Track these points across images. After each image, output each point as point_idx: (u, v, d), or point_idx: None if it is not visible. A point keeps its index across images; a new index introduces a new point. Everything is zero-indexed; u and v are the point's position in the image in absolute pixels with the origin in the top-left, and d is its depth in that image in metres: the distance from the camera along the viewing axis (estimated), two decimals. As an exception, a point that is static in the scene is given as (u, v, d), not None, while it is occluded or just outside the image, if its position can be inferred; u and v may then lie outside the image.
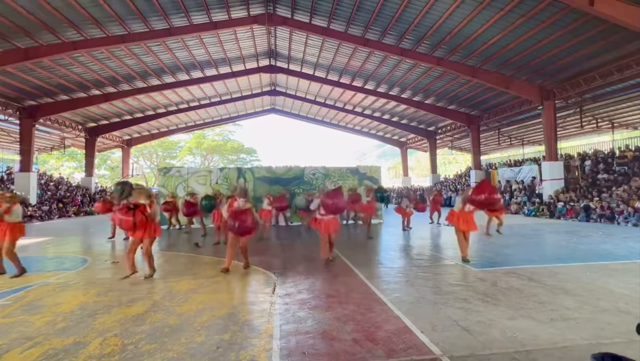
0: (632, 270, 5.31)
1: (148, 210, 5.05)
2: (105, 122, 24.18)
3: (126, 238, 9.18)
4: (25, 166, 18.28)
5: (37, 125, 18.88)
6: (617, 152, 17.05)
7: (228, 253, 5.45)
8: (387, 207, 11.09)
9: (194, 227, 10.93)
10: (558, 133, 16.77)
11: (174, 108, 24.73)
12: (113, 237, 9.21)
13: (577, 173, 16.90)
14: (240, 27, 15.66)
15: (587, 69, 13.80)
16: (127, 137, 29.04)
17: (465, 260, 5.86)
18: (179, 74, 19.07)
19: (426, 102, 21.76)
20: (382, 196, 10.53)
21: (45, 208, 17.85)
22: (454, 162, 42.75)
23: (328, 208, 5.87)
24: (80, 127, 23.20)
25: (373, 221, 11.40)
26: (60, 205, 19.46)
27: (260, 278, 5.12)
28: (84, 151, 25.21)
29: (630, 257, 6.25)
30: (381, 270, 5.60)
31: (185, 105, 24.76)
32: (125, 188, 5.30)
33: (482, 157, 25.40)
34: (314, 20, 15.04)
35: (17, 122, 18.41)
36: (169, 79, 19.39)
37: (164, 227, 11.08)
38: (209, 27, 14.64)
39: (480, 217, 6.93)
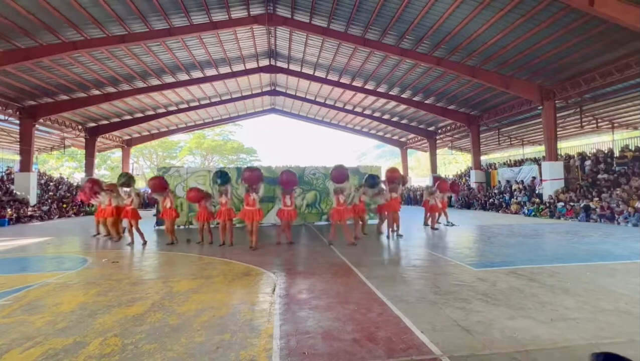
0: (632, 270, 5.31)
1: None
2: (105, 122, 24.17)
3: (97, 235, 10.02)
4: (25, 166, 18.27)
5: (37, 125, 18.87)
6: (617, 152, 17.05)
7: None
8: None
9: (193, 227, 11.04)
10: (558, 133, 16.77)
11: (174, 108, 24.72)
12: (98, 234, 9.83)
13: (577, 173, 16.90)
14: (240, 27, 15.65)
15: (587, 69, 13.79)
16: (127, 137, 29.03)
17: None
18: (179, 74, 19.07)
19: (426, 102, 21.76)
20: (374, 183, 8.99)
21: (45, 208, 17.85)
22: (454, 162, 42.74)
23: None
24: (80, 127, 23.19)
25: (371, 221, 11.32)
26: (63, 205, 19.47)
27: (260, 278, 5.12)
28: (84, 151, 25.19)
29: (630, 257, 6.25)
30: (381, 270, 5.60)
31: (185, 105, 24.76)
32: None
33: (482, 157, 25.41)
34: (314, 20, 15.04)
35: (17, 122, 18.40)
36: (169, 79, 19.38)
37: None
38: (209, 27, 14.63)
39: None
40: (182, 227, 12.07)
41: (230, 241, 8.05)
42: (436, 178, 10.77)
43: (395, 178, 9.27)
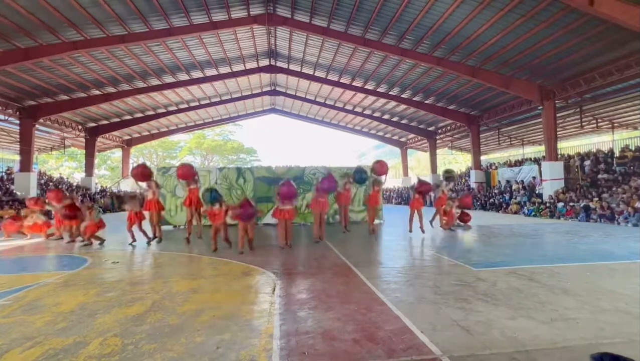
0: (632, 270, 5.31)
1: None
2: (105, 122, 24.18)
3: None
4: (25, 166, 18.27)
5: (37, 125, 18.87)
6: (617, 152, 17.05)
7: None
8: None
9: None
10: (558, 133, 16.77)
11: (174, 108, 24.74)
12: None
13: (577, 173, 16.90)
14: (240, 27, 15.66)
15: (587, 69, 13.80)
16: (127, 137, 29.04)
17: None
18: (179, 74, 19.07)
19: (426, 102, 21.76)
20: (362, 178, 8.93)
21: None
22: (454, 162, 42.73)
23: (282, 197, 7.34)
24: (80, 127, 23.20)
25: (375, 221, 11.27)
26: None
27: (260, 278, 5.12)
28: (84, 151, 25.21)
29: (630, 257, 6.25)
30: (381, 270, 5.60)
31: (185, 105, 24.77)
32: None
33: (482, 157, 25.40)
34: (314, 20, 15.04)
35: (17, 122, 18.40)
36: (169, 79, 19.39)
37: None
38: (209, 27, 14.64)
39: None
40: (181, 226, 12.08)
41: (226, 239, 7.83)
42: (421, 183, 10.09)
43: (383, 172, 9.43)
